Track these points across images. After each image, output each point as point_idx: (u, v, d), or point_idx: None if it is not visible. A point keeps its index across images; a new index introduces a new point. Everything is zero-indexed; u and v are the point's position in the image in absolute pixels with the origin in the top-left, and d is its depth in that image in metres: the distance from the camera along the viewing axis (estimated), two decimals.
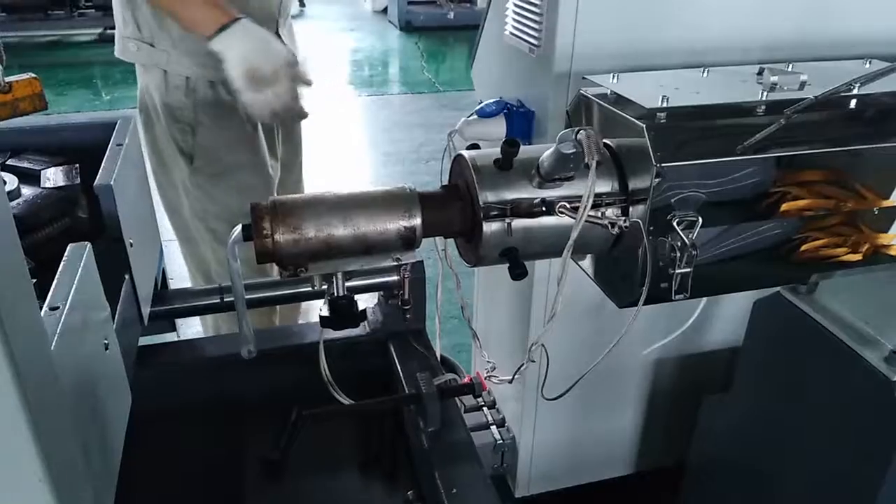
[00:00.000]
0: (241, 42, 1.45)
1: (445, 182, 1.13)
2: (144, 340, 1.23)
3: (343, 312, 1.06)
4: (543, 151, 0.99)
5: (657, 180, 1.03)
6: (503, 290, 1.97)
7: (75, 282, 0.78)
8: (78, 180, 1.12)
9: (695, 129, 1.13)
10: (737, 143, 1.08)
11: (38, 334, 0.62)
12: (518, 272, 1.02)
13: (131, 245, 1.06)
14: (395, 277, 1.26)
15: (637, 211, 1.06)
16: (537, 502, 2.10)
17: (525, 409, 1.93)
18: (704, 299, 1.71)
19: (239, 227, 0.95)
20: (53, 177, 1.12)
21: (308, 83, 1.57)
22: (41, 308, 0.72)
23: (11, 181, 1.07)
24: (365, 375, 1.33)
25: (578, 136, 0.91)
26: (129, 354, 1.03)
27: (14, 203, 1.03)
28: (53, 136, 1.24)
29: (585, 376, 1.23)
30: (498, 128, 1.59)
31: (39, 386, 0.58)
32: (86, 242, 0.86)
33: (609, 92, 1.21)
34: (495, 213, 1.00)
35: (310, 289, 1.31)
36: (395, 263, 1.06)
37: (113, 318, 0.94)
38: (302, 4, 9.50)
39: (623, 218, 1.05)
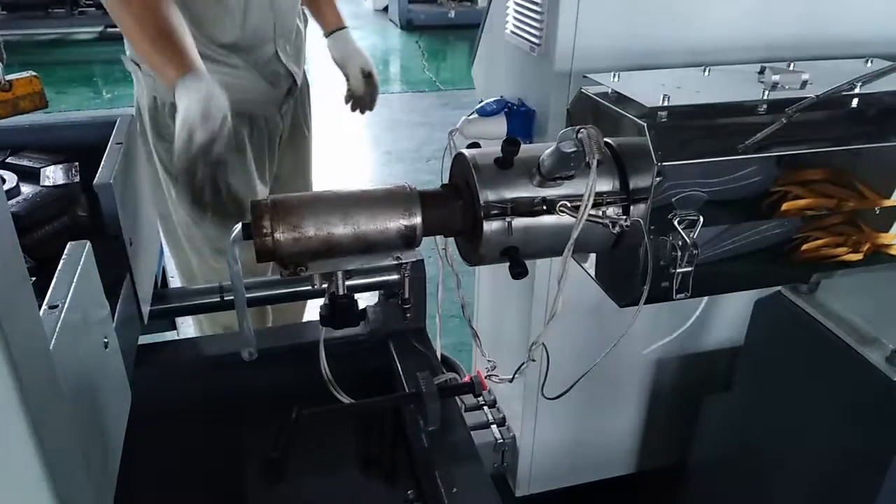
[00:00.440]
0: (187, 98, 1.31)
1: (446, 181, 1.12)
2: (144, 339, 1.23)
3: (343, 311, 1.06)
4: (544, 150, 0.98)
5: (658, 179, 1.03)
6: (504, 289, 1.97)
7: (74, 280, 0.78)
8: (77, 178, 1.12)
9: (696, 128, 1.13)
10: (738, 142, 1.08)
11: (37, 333, 0.62)
12: (518, 271, 1.01)
13: (131, 243, 1.06)
14: (396, 276, 1.26)
15: (638, 210, 1.06)
16: (538, 501, 2.10)
17: (525, 408, 1.93)
18: (705, 299, 1.71)
19: (239, 226, 0.95)
20: (53, 175, 1.11)
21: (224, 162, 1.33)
22: (40, 306, 0.72)
23: (11, 179, 1.07)
24: (365, 374, 1.33)
25: (579, 135, 0.91)
26: (128, 353, 1.02)
27: (13, 201, 1.02)
28: (53, 134, 1.24)
29: (586, 375, 1.23)
30: (499, 126, 1.58)
31: (38, 385, 0.58)
32: (85, 241, 0.85)
33: (610, 91, 1.21)
34: (496, 211, 1.00)
35: (310, 288, 1.30)
36: (396, 262, 1.06)
37: (112, 316, 0.94)
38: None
39: (624, 217, 1.05)
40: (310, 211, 0.96)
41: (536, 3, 1.49)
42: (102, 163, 1.04)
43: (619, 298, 1.21)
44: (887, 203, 1.20)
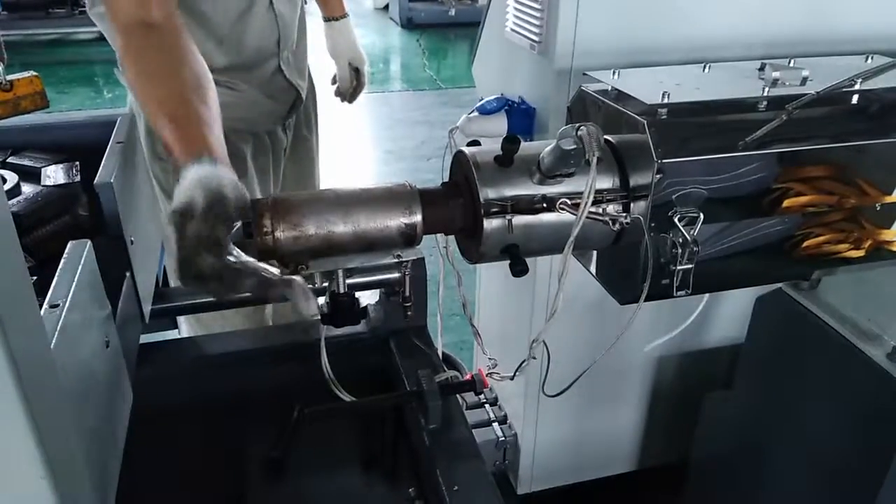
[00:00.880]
0: (185, 187, 0.97)
1: (447, 179, 1.12)
2: (146, 338, 1.23)
3: (344, 310, 1.06)
4: (544, 148, 0.98)
5: (658, 176, 1.03)
6: (504, 287, 1.97)
7: (76, 279, 0.78)
8: (78, 178, 1.11)
9: (696, 125, 1.12)
10: (738, 139, 1.08)
11: (37, 332, 0.62)
12: (519, 269, 1.01)
13: (132, 242, 1.06)
14: (397, 274, 1.26)
15: (638, 207, 1.06)
16: (539, 499, 2.10)
17: (527, 405, 1.93)
18: (706, 296, 1.71)
19: (239, 225, 0.95)
20: (54, 174, 1.11)
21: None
22: (41, 306, 0.72)
23: (12, 179, 1.07)
24: (366, 373, 1.33)
25: (579, 133, 0.91)
26: (130, 352, 1.02)
27: (14, 201, 1.02)
28: (54, 133, 1.24)
29: (587, 373, 1.23)
30: (499, 124, 1.58)
31: (39, 384, 0.58)
32: (86, 240, 0.85)
33: (610, 88, 1.21)
34: (496, 209, 1.00)
35: (310, 286, 1.30)
36: (396, 260, 1.06)
37: (114, 315, 0.94)
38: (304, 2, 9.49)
39: (624, 214, 1.05)
40: (310, 209, 0.96)
41: (536, 1, 1.49)
42: (103, 162, 1.04)
43: (619, 296, 1.21)
44: (888, 199, 1.20)
